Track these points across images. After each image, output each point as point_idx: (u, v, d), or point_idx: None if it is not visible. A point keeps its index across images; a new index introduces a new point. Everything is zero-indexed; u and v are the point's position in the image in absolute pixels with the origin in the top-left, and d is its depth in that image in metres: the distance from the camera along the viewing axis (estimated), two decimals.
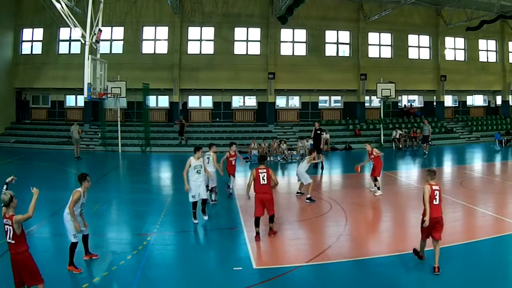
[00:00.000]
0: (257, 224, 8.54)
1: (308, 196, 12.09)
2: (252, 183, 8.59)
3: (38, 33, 26.44)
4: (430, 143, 22.14)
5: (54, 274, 7.07)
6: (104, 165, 20.02)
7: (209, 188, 11.15)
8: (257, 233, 8.54)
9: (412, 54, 29.49)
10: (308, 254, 7.90)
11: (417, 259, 7.46)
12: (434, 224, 7.01)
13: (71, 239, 7.35)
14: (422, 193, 7.21)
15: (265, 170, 8.51)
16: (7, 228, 5.36)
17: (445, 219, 9.93)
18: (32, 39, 26.60)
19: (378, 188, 13.04)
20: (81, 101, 26.92)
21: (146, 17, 26.28)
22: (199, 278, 7.11)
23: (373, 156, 13.27)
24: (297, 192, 12.93)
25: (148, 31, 26.80)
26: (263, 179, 8.47)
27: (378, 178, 13.09)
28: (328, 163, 19.35)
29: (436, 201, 7.07)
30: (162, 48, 26.83)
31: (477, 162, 21.35)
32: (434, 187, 7.10)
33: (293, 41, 27.95)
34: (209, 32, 27.10)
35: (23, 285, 5.49)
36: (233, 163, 12.55)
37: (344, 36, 28.49)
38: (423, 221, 7.02)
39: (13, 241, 5.37)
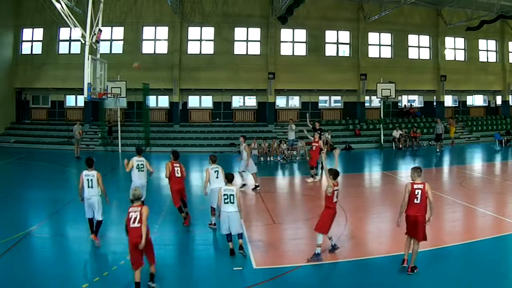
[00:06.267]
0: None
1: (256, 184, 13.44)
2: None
3: (38, 33, 26.42)
4: (440, 142, 22.80)
5: (54, 274, 7.10)
6: (104, 165, 19.96)
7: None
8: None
9: (412, 54, 29.46)
10: (308, 254, 7.89)
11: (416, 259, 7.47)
12: (413, 223, 6.88)
13: (100, 218, 8.31)
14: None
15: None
16: (132, 214, 6.36)
17: (445, 219, 10.01)
18: (32, 39, 26.58)
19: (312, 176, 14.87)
20: (81, 101, 26.88)
21: (146, 17, 26.25)
22: (199, 278, 7.11)
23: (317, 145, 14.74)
24: (256, 186, 13.58)
25: (148, 31, 26.78)
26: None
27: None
28: (328, 163, 19.29)
29: (417, 200, 6.82)
30: (162, 48, 26.82)
31: (477, 162, 21.34)
32: (415, 186, 6.86)
33: (293, 41, 27.93)
34: (209, 32, 27.09)
35: (141, 265, 6.34)
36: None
37: (344, 36, 28.48)
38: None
39: (138, 225, 6.29)
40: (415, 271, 6.89)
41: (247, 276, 6.97)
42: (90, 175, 8.29)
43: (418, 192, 6.80)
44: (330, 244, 7.87)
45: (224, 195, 7.75)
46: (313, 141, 15.29)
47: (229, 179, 7.97)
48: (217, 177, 9.29)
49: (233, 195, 7.73)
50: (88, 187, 8.27)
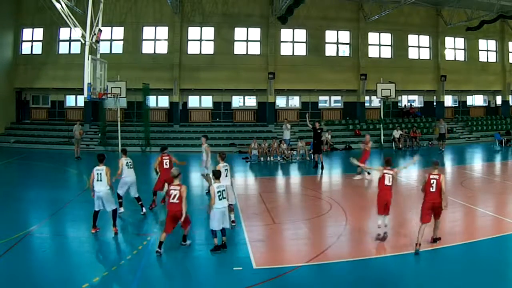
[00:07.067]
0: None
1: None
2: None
3: (38, 33, 26.39)
4: (443, 142, 23.63)
5: (54, 274, 7.10)
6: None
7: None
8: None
9: (412, 54, 29.44)
10: (308, 254, 7.90)
11: (416, 259, 7.48)
12: (431, 209, 7.93)
13: (112, 208, 8.98)
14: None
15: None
16: (172, 192, 7.78)
17: (445, 219, 10.00)
18: (32, 39, 26.55)
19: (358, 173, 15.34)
20: (81, 101, 26.87)
21: (146, 17, 26.25)
22: (199, 278, 7.11)
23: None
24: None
25: (148, 31, 26.76)
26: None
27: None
28: (328, 163, 19.36)
29: (432, 188, 7.85)
30: (162, 48, 26.81)
31: (477, 162, 21.34)
32: (431, 176, 7.91)
33: (293, 41, 27.92)
34: (209, 32, 27.09)
35: (173, 228, 7.89)
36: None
37: (344, 36, 28.47)
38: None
39: (177, 201, 7.73)
40: (438, 241, 8.08)
41: (247, 276, 6.97)
42: (100, 170, 8.98)
43: (433, 182, 7.88)
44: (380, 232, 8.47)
45: (218, 192, 7.90)
46: (365, 142, 15.90)
47: (217, 176, 8.18)
48: (226, 175, 9.38)
49: (224, 190, 8.03)
50: (98, 180, 8.92)
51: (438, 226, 8.16)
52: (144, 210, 10.58)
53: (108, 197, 8.94)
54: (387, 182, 8.43)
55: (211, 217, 7.94)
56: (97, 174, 8.95)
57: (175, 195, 7.72)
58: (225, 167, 9.44)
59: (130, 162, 10.66)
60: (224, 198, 8.00)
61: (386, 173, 8.48)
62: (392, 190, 8.52)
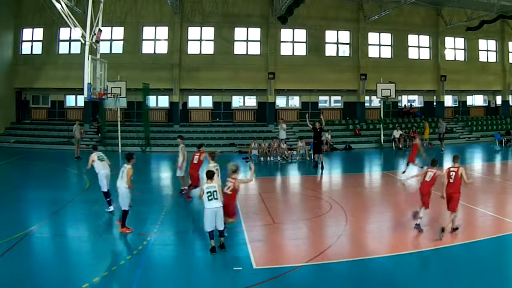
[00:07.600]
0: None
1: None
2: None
3: (38, 33, 26.40)
4: (443, 140, 24.29)
5: (54, 274, 7.10)
6: None
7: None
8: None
9: (412, 54, 29.46)
10: (308, 254, 7.90)
11: (416, 259, 7.48)
12: (448, 199, 8.66)
13: (125, 208, 9.06)
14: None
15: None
16: (227, 183, 8.27)
17: (445, 219, 10.00)
18: (32, 39, 26.56)
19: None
20: (81, 101, 26.89)
21: (146, 17, 26.26)
22: (199, 278, 7.11)
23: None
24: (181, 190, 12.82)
25: (148, 31, 26.77)
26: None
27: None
28: (328, 163, 19.36)
29: (451, 180, 8.65)
30: (162, 48, 26.82)
31: (477, 162, 21.33)
32: (451, 169, 8.71)
33: (293, 41, 27.93)
34: (209, 32, 27.09)
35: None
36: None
37: (344, 36, 28.48)
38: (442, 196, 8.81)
39: (230, 193, 8.22)
40: (456, 230, 8.77)
41: (247, 276, 6.97)
42: (124, 168, 9.28)
43: (452, 174, 8.68)
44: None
45: (207, 192, 7.85)
46: (414, 142, 16.91)
47: (208, 176, 8.08)
48: (217, 175, 9.32)
49: (216, 191, 7.91)
50: (120, 178, 9.25)
51: (453, 218, 8.70)
52: (111, 208, 10.61)
53: (123, 196, 9.08)
54: (427, 178, 9.15)
55: (204, 218, 7.93)
56: (121, 171, 9.28)
57: (229, 187, 8.17)
58: (215, 167, 9.42)
59: (101, 155, 11.11)
60: (216, 199, 7.87)
61: (429, 170, 9.21)
62: (431, 186, 9.09)
